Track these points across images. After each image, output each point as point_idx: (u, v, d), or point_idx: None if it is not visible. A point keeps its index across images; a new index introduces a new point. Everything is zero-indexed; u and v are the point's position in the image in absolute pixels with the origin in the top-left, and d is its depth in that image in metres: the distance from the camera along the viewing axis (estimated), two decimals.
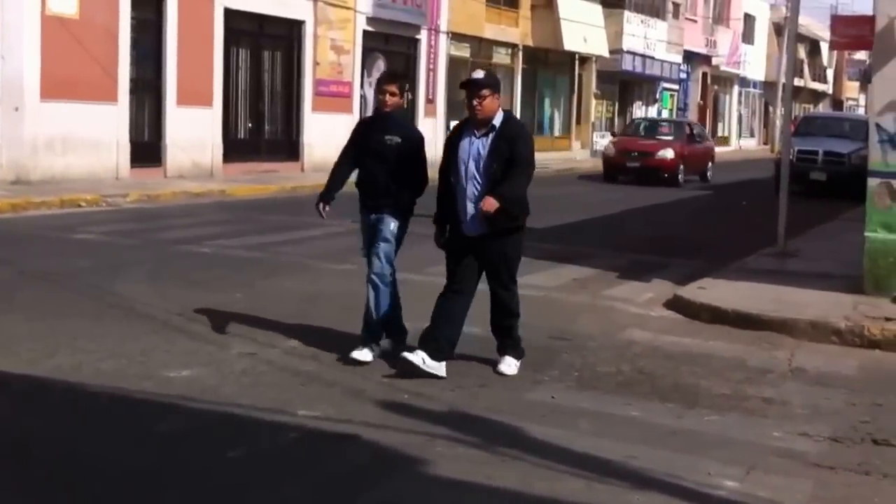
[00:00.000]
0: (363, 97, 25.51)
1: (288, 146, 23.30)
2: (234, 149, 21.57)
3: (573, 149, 36.49)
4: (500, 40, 31.93)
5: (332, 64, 24.07)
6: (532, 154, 6.70)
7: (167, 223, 14.47)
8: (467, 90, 6.64)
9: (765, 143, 56.35)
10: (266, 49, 22.80)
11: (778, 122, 46.07)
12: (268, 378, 6.47)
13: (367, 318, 7.06)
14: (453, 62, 29.43)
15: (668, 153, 26.12)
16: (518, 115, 32.33)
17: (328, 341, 7.45)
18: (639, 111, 42.98)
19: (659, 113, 44.65)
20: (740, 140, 56.05)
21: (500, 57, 32.47)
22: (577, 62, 36.31)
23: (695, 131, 29.45)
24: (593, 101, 38.10)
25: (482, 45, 31.16)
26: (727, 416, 6.20)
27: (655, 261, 12.61)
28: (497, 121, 6.64)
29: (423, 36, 27.59)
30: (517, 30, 32.56)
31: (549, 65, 35.37)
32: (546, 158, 32.81)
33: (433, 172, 6.93)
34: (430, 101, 28.14)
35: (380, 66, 26.19)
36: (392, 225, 7.01)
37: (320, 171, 22.59)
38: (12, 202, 14.61)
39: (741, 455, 5.44)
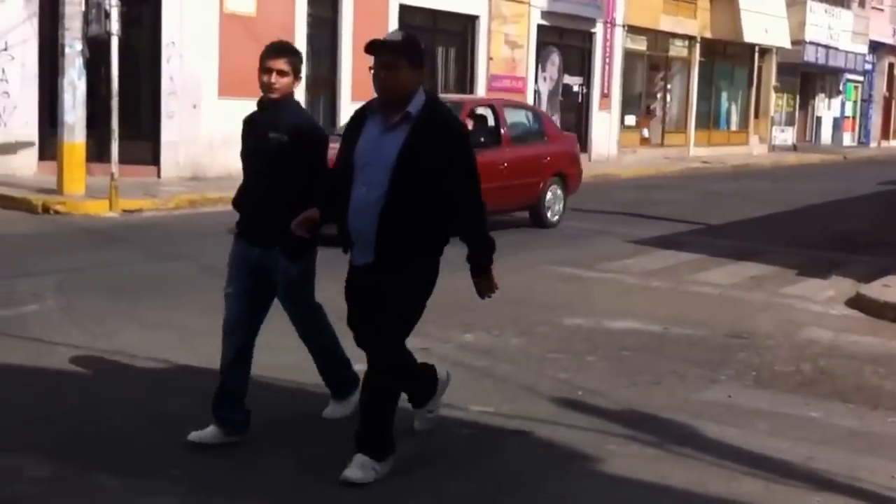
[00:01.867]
0: (537, 92, 25.54)
1: None
2: None
3: (750, 143, 35.66)
4: (677, 32, 31.41)
5: (505, 59, 24.18)
6: (475, 163, 4.76)
7: None
8: (375, 55, 4.67)
9: None
10: (440, 44, 23.06)
11: None
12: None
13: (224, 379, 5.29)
14: (629, 56, 29.16)
15: None
16: (694, 109, 32.47)
17: (500, 337, 7.53)
18: (821, 104, 41.56)
19: (842, 107, 43.04)
20: None
21: (677, 49, 31.95)
22: (756, 54, 35.43)
23: (507, 121, 13.80)
24: (773, 95, 37.08)
25: (658, 38, 30.74)
26: None
27: (837, 258, 12.22)
28: (415, 107, 4.63)
29: (598, 29, 27.42)
30: (695, 21, 31.97)
31: (728, 57, 34.61)
32: (723, 153, 32.32)
33: None
34: (605, 95, 27.96)
35: (554, 59, 26.20)
36: (293, 271, 5.16)
37: None
38: (190, 198, 15.23)
39: None
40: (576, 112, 27.19)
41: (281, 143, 5.05)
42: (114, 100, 14.04)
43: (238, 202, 5.34)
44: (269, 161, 5.09)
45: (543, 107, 25.81)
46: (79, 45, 14.26)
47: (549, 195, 14.24)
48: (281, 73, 5.09)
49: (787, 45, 35.24)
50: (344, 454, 4.77)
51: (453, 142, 4.66)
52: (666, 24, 30.64)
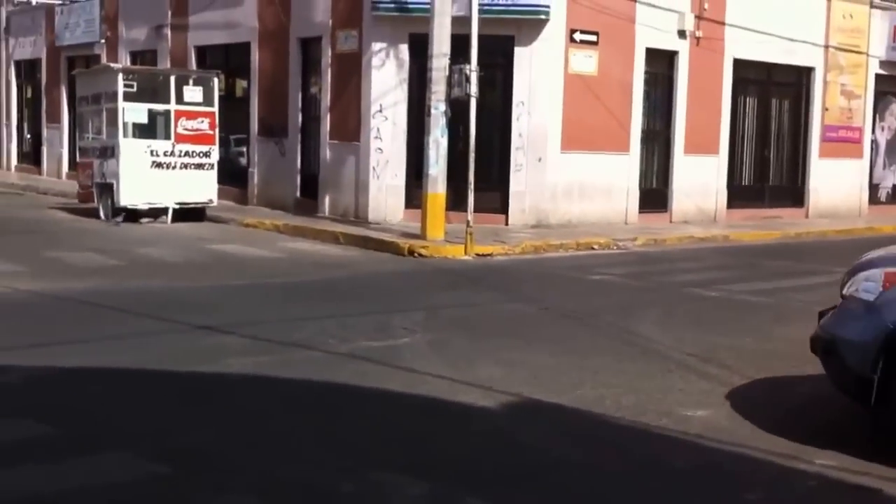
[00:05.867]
0: (874, 142, 24.19)
1: (792, 192, 22.66)
2: (738, 195, 21.40)
3: None
4: None
5: (841, 109, 23.10)
6: None
7: (673, 266, 14.68)
8: None
9: None
10: (773, 97, 22.39)
11: None
12: (783, 424, 6.35)
13: None
14: None
15: None
16: None
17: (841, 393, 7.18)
18: None
19: None
20: None
21: None
22: None
23: None
24: None
25: None
26: None
27: None
28: None
29: None
30: None
31: None
32: None
33: None
34: None
35: (893, 109, 24.73)
36: None
37: (826, 218, 21.91)
38: (534, 244, 15.60)
39: None
40: None
41: None
42: (471, 155, 14.71)
43: None
44: None
45: (880, 156, 24.43)
46: (443, 107, 15.07)
47: None
48: None
49: None
50: None
51: None
52: None
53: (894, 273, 5.82)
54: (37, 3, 28.38)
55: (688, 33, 19.79)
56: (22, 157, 30.58)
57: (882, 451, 5.70)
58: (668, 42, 19.62)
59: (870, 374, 5.62)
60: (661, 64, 19.81)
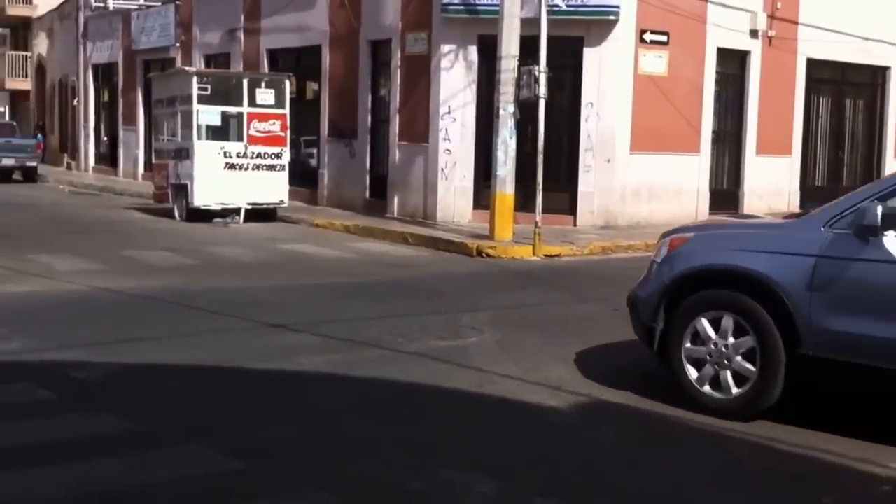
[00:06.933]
0: None
1: None
2: (811, 196, 21.01)
3: None
4: None
5: None
6: None
7: None
8: None
9: None
10: (847, 96, 22.02)
11: None
12: (856, 426, 6.25)
13: None
14: None
15: None
16: None
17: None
18: None
19: None
20: None
21: None
22: None
23: None
24: None
25: None
26: None
27: None
28: None
29: None
30: None
31: None
32: None
33: None
34: None
35: None
36: None
37: None
38: (603, 245, 15.52)
39: None
40: None
41: None
42: (539, 156, 14.69)
43: None
44: None
45: None
46: (511, 108, 15.07)
47: None
48: None
49: None
50: None
51: None
52: None
53: (678, 238, 6.80)
54: (114, 8, 29.00)
55: (760, 33, 19.55)
56: (99, 158, 31.27)
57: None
58: (739, 42, 19.39)
59: (652, 324, 6.68)
60: (732, 64, 19.58)
